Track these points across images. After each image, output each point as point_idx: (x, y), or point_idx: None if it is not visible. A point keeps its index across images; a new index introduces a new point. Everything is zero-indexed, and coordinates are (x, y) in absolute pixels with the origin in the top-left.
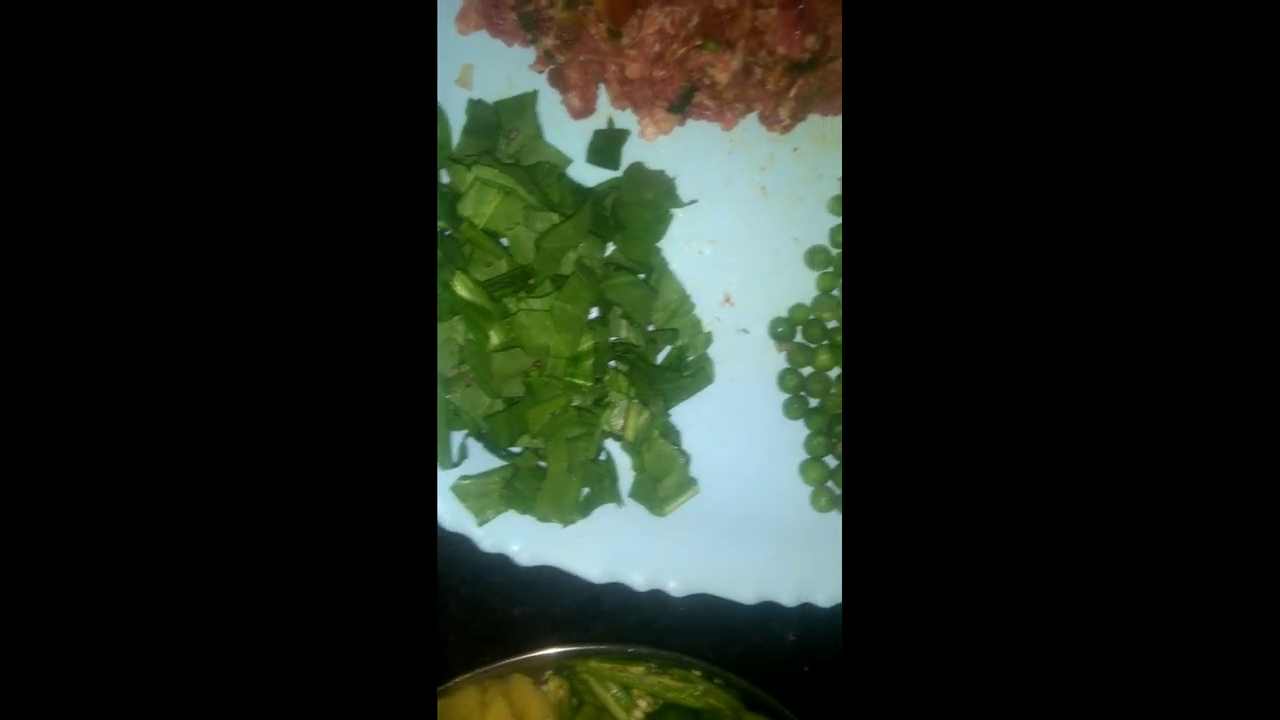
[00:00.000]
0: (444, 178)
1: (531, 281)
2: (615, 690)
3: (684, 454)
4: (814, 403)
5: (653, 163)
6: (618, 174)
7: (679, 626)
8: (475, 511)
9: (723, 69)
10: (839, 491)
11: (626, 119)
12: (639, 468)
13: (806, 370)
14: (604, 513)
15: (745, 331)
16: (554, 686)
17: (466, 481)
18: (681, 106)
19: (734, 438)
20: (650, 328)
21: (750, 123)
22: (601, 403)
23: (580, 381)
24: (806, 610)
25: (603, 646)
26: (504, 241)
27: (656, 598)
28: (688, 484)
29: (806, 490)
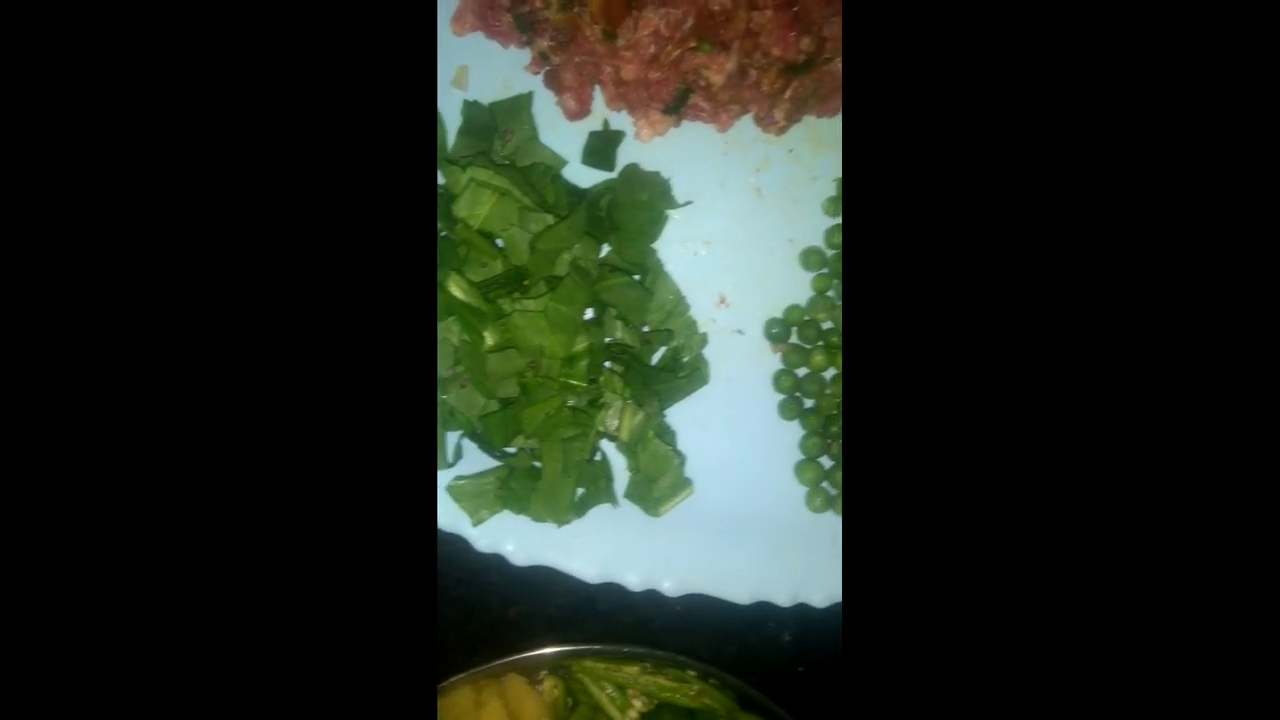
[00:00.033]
0: (439, 179)
1: (526, 282)
2: (610, 690)
3: (679, 454)
4: (809, 403)
5: (648, 164)
6: (613, 175)
7: (674, 626)
8: (470, 512)
9: (718, 70)
10: (834, 492)
11: (622, 120)
12: (634, 468)
13: (802, 371)
14: (599, 513)
15: (740, 332)
16: (549, 686)
17: (461, 482)
18: (677, 108)
19: (729, 438)
20: (645, 329)
21: (745, 124)
22: (596, 403)
23: (575, 382)
24: (802, 610)
25: (598, 646)
26: (499, 242)
27: (651, 598)
28: (683, 484)
29: (802, 490)
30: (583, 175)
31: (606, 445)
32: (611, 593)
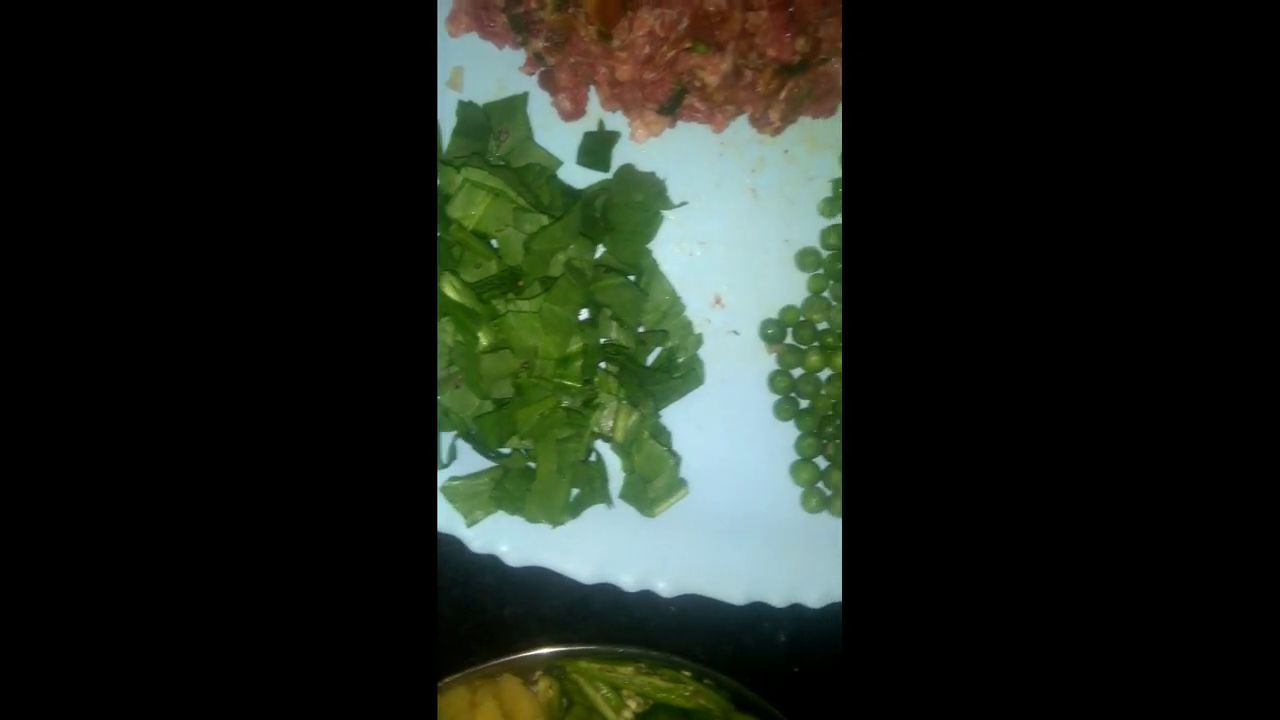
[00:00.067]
0: None
1: (521, 283)
2: (605, 690)
3: (674, 455)
4: (804, 404)
5: (643, 165)
6: (608, 176)
7: (669, 627)
8: (465, 512)
9: (713, 71)
10: (829, 492)
11: (617, 121)
12: (629, 469)
13: (797, 372)
14: (594, 513)
15: (736, 333)
16: (544, 687)
17: (456, 482)
18: (672, 109)
19: (724, 439)
20: (640, 329)
21: (741, 125)
22: (591, 404)
23: (569, 383)
24: (797, 611)
25: (593, 647)
26: (494, 243)
27: (646, 598)
28: (678, 485)
29: (797, 491)
30: (578, 176)
31: (602, 446)
32: (606, 593)
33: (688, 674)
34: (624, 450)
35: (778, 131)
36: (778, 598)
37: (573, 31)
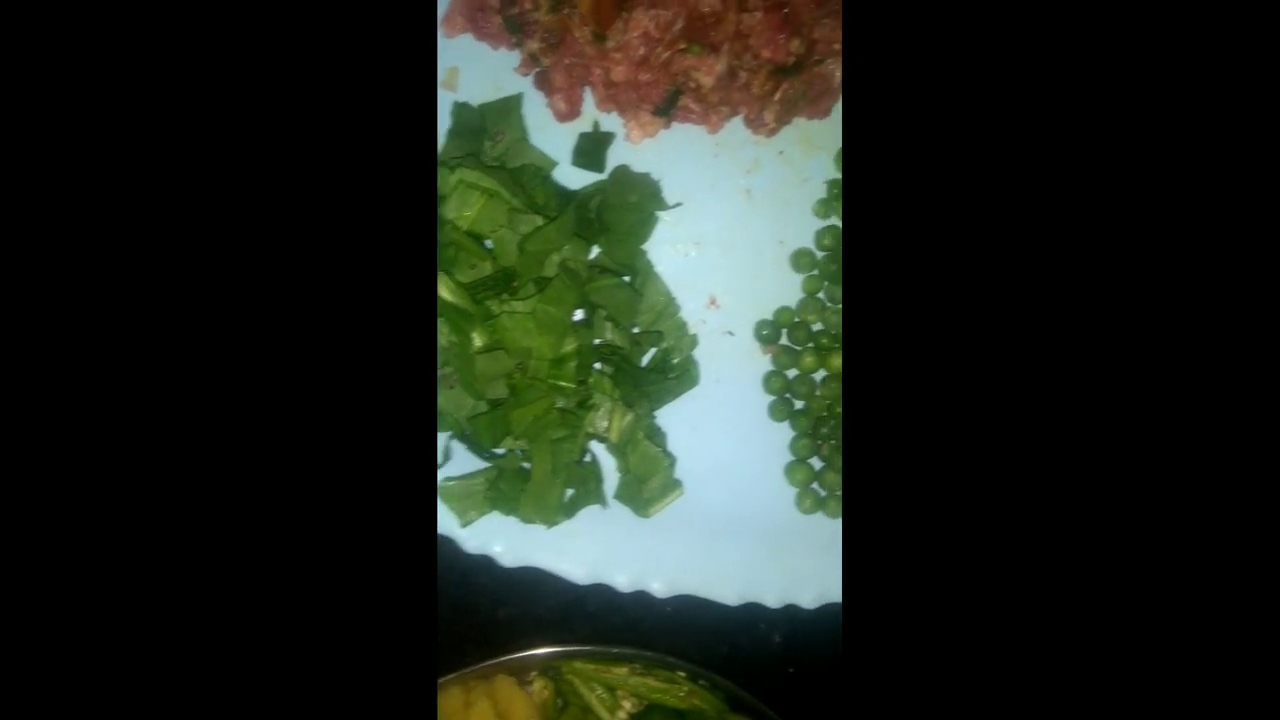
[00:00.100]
0: None
1: (515, 284)
2: (600, 691)
3: (669, 456)
4: (799, 405)
5: (638, 165)
6: (603, 177)
7: (664, 627)
8: (459, 513)
9: (707, 72)
10: (824, 493)
11: (612, 122)
12: (624, 469)
13: (792, 372)
14: (589, 514)
15: (731, 334)
16: (539, 687)
17: (450, 483)
18: (666, 109)
19: (719, 439)
20: (635, 330)
21: (736, 126)
22: (585, 405)
23: (563, 383)
24: (791, 611)
25: (588, 647)
26: (488, 244)
27: (641, 599)
28: (672, 485)
29: (791, 492)
30: (573, 177)
31: (597, 447)
32: (601, 594)
33: (682, 674)
34: (619, 451)
35: (773, 133)
36: (772, 598)
37: (568, 32)
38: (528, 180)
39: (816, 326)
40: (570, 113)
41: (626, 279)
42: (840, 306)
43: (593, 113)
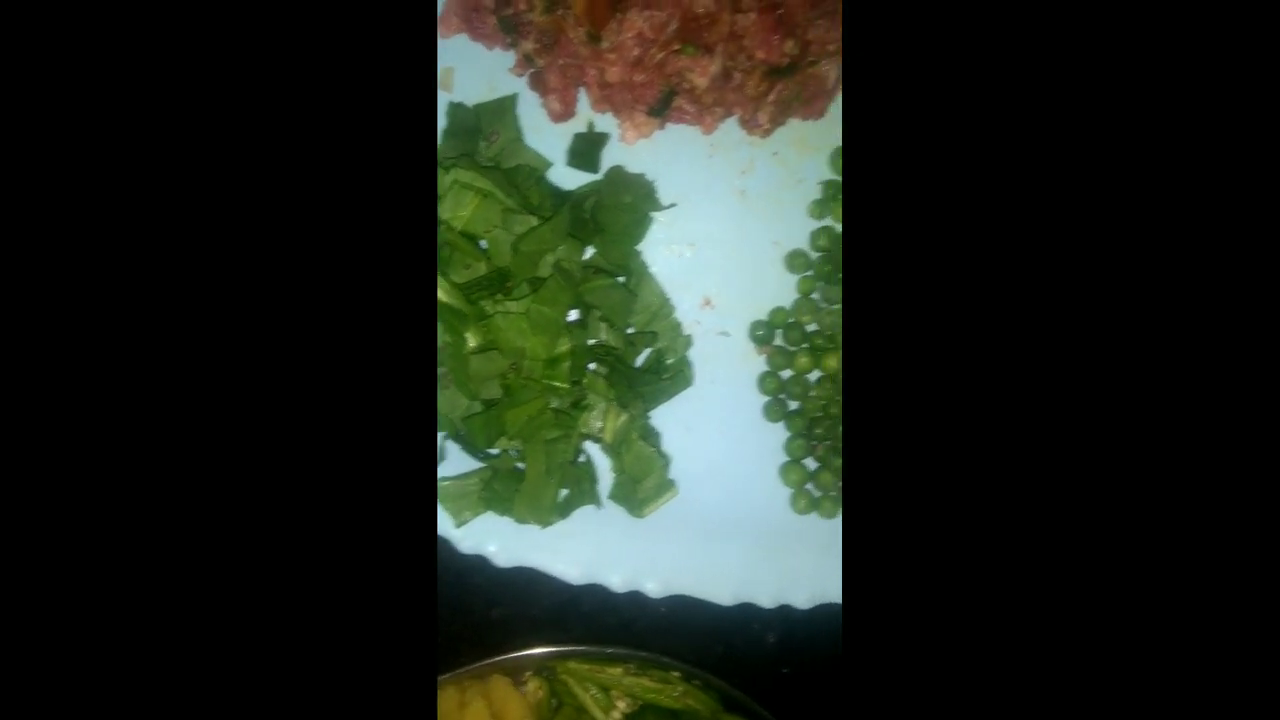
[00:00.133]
0: None
1: (509, 284)
2: (594, 691)
3: (664, 456)
4: (794, 405)
5: (633, 166)
6: (598, 177)
7: (658, 628)
8: (453, 513)
9: (701, 73)
10: (818, 494)
11: (607, 123)
12: (618, 469)
13: (786, 373)
14: (583, 514)
15: (725, 334)
16: (533, 687)
17: (445, 483)
18: (661, 110)
19: (714, 440)
20: (630, 330)
21: (730, 126)
22: (580, 405)
23: (557, 384)
24: (785, 612)
25: (582, 648)
26: (483, 244)
27: (635, 599)
28: (667, 486)
29: (786, 492)
30: (567, 177)
31: (592, 447)
32: (595, 594)
33: (676, 675)
34: (613, 451)
35: (767, 133)
36: (766, 599)
37: (562, 33)
38: (522, 181)
39: (811, 327)
40: (565, 113)
41: (621, 279)
42: (835, 307)
43: (587, 113)
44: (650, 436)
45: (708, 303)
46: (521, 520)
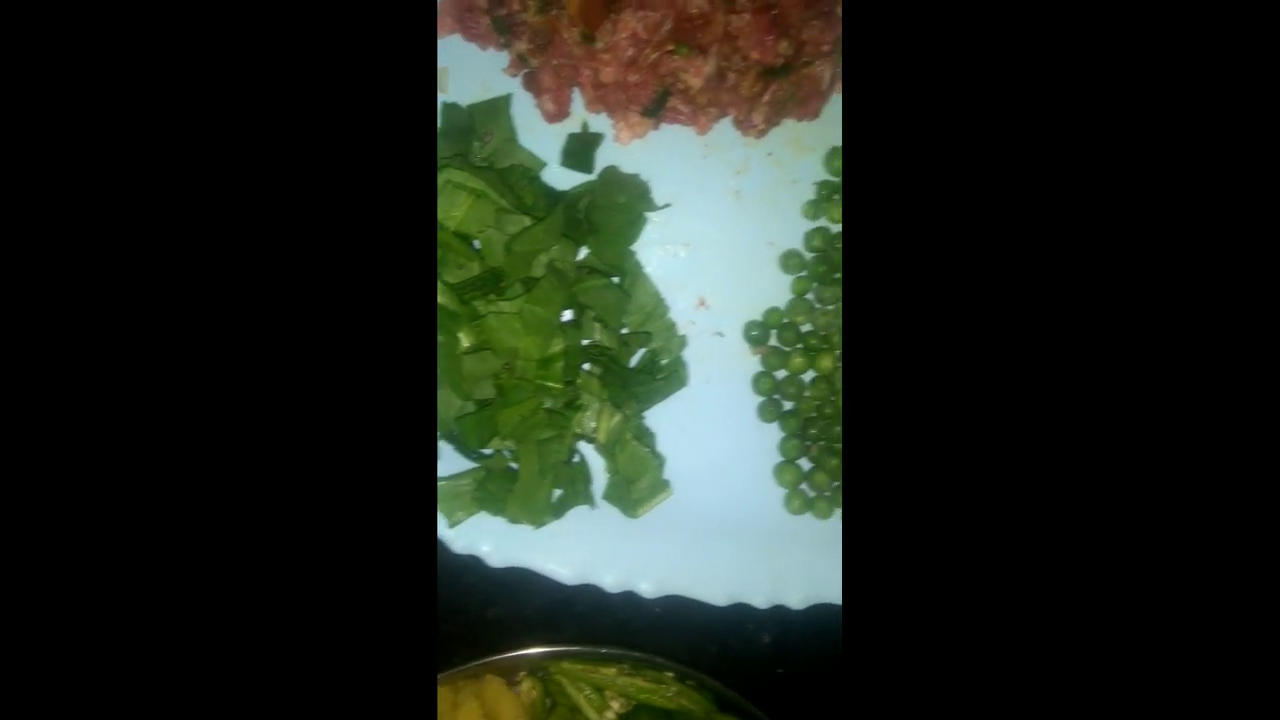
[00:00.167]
0: None
1: (503, 284)
2: (588, 691)
3: (658, 456)
4: (788, 405)
5: (627, 166)
6: (592, 177)
7: (652, 628)
8: (447, 513)
9: (695, 74)
10: (812, 494)
11: (601, 123)
12: (612, 470)
13: (781, 373)
14: (577, 514)
15: (720, 335)
16: (527, 687)
17: (438, 483)
18: (655, 110)
19: (708, 440)
20: (624, 331)
21: (725, 127)
22: (573, 405)
23: (551, 384)
24: (780, 612)
25: (576, 648)
26: (476, 244)
27: (629, 599)
28: (661, 486)
29: (780, 493)
30: (562, 178)
31: (586, 447)
32: (589, 594)
33: (670, 675)
34: (607, 451)
35: (761, 134)
36: (761, 599)
37: (556, 33)
38: (516, 181)
39: (805, 328)
40: (559, 113)
41: (615, 280)
42: (829, 308)
43: (581, 114)
44: (644, 437)
45: (702, 303)
46: (515, 520)
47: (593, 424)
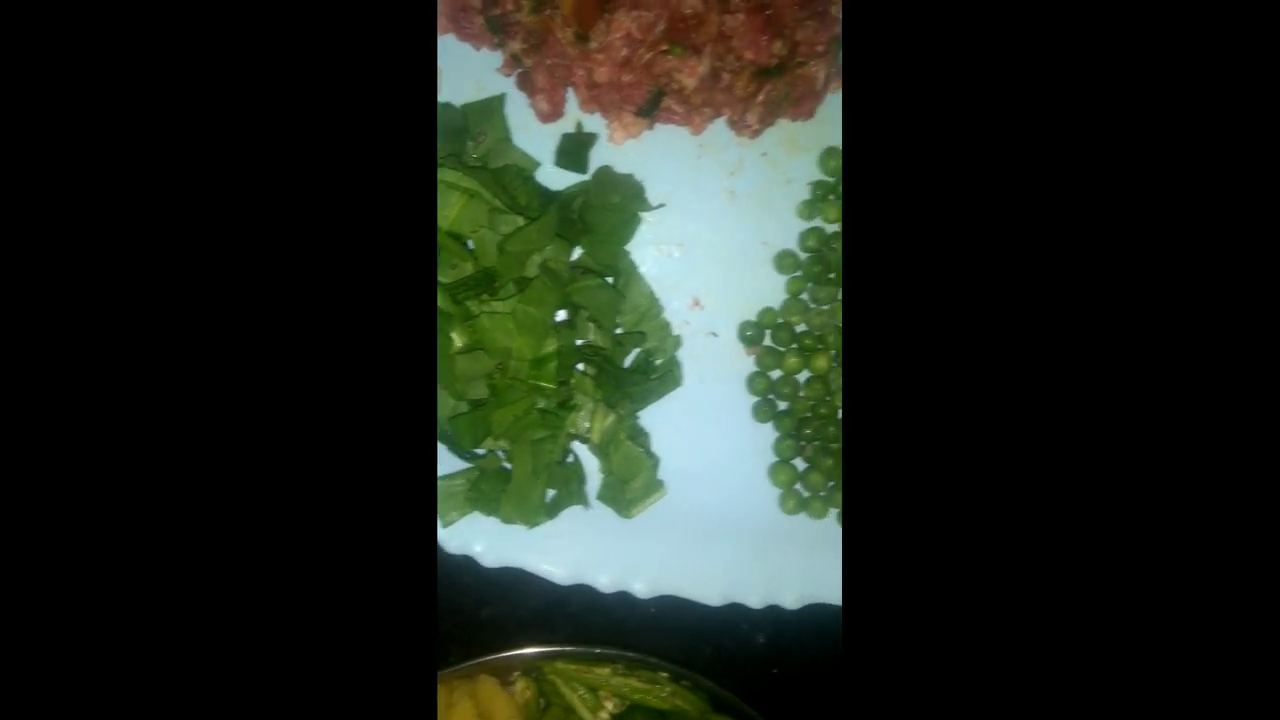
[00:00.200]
0: None
1: (496, 284)
2: (582, 691)
3: (652, 456)
4: (783, 406)
5: (621, 166)
6: (586, 177)
7: (646, 628)
8: (440, 513)
9: (690, 74)
10: (807, 494)
11: (595, 123)
12: (607, 470)
13: (775, 373)
14: (571, 515)
15: (714, 335)
16: (521, 687)
17: None
18: (650, 110)
19: (703, 440)
20: (618, 331)
21: (719, 127)
22: (567, 405)
23: (544, 384)
24: (774, 612)
25: (570, 648)
26: (469, 244)
27: (624, 599)
28: (655, 486)
29: (775, 493)
30: (555, 178)
31: (581, 447)
32: (583, 594)
33: (665, 675)
34: (601, 451)
35: (756, 134)
36: (755, 599)
37: (550, 33)
38: (510, 181)
39: (800, 328)
40: (553, 113)
41: (609, 280)
42: (824, 308)
43: (575, 114)
44: (638, 437)
45: (696, 303)
46: (509, 521)
47: (587, 424)
